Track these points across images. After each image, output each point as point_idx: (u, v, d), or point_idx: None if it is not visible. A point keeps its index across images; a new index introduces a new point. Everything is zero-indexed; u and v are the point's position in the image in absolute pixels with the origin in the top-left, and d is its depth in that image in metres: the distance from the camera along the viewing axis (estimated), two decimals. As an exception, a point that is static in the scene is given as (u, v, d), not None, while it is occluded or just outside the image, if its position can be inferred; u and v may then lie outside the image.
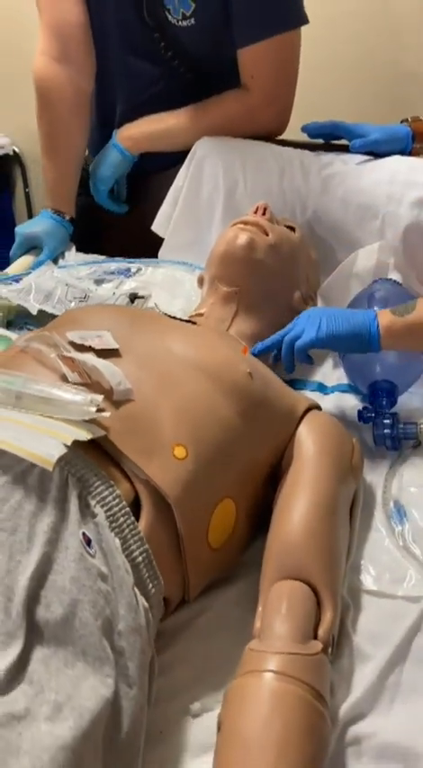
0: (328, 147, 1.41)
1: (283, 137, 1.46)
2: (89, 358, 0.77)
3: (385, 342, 0.93)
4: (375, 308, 1.01)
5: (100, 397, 0.72)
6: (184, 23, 1.32)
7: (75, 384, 0.74)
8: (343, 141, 1.39)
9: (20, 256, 1.44)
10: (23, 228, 1.45)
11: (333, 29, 1.87)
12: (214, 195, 1.38)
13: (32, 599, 0.57)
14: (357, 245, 1.25)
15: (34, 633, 0.56)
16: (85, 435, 0.67)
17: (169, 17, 1.32)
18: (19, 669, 0.54)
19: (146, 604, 0.64)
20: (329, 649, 0.69)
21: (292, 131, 1.46)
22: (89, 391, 0.73)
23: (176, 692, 0.70)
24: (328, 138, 1.41)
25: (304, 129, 1.38)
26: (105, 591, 0.60)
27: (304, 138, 1.41)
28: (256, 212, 1.11)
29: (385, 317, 0.93)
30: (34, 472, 0.64)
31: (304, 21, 1.33)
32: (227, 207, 1.36)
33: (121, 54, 1.41)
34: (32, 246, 1.44)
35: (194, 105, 1.41)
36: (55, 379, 0.76)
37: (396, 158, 1.33)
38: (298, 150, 1.39)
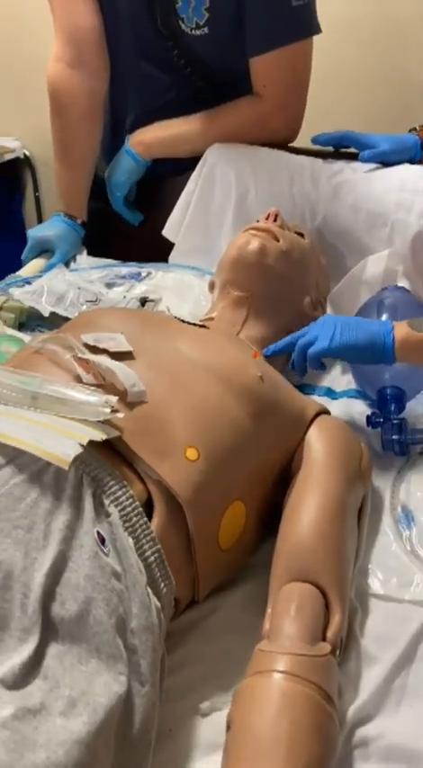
0: (339, 155, 1.42)
1: (294, 144, 1.47)
2: (103, 360, 0.78)
3: (399, 355, 0.91)
4: (387, 317, 1.01)
5: (114, 399, 0.73)
6: (198, 32, 1.33)
7: (89, 385, 0.75)
8: (353, 149, 1.40)
9: (31, 259, 1.45)
10: (36, 232, 1.47)
11: (342, 38, 1.89)
12: (225, 201, 1.39)
13: (48, 596, 0.58)
14: (367, 252, 1.26)
15: (49, 630, 0.57)
16: (100, 435, 0.68)
17: (183, 26, 1.34)
18: (34, 664, 0.55)
19: (158, 604, 0.65)
20: (337, 651, 0.70)
21: (303, 139, 1.47)
22: (103, 392, 0.74)
23: (186, 691, 0.71)
24: (338, 148, 1.42)
25: (314, 140, 1.39)
26: (119, 589, 0.61)
27: (315, 146, 1.42)
28: (267, 219, 1.12)
29: (401, 330, 0.92)
30: (50, 471, 0.65)
31: (317, 30, 1.34)
32: (237, 213, 1.38)
33: (135, 61, 1.43)
34: (44, 250, 1.46)
35: (207, 112, 1.42)
36: (70, 380, 0.77)
37: (406, 166, 1.34)
38: (309, 158, 1.40)
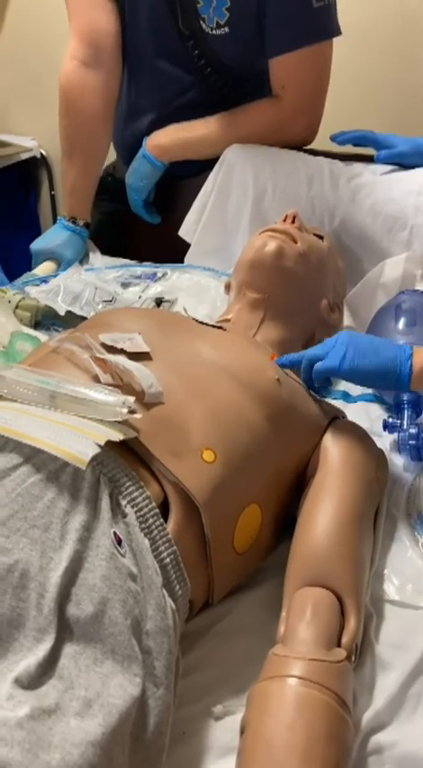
0: (358, 158, 1.42)
1: (312, 146, 1.47)
2: (121, 360, 0.78)
3: (416, 382, 0.85)
4: (404, 321, 1.00)
5: (132, 399, 0.72)
6: (219, 32, 1.33)
7: (107, 385, 0.75)
8: (372, 151, 1.39)
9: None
10: (38, 245, 1.45)
11: (361, 42, 1.88)
12: (242, 202, 1.39)
13: (64, 596, 0.58)
14: (385, 256, 1.25)
15: (65, 630, 0.57)
16: (117, 436, 0.68)
17: (203, 26, 1.34)
18: (49, 665, 0.55)
19: (173, 605, 0.65)
20: (353, 657, 0.69)
21: (321, 141, 1.46)
22: (121, 393, 0.74)
23: (200, 694, 0.70)
24: (357, 146, 1.41)
25: (333, 138, 1.38)
26: (135, 591, 0.61)
27: (333, 147, 1.42)
28: (285, 220, 1.11)
29: (421, 356, 0.84)
30: (67, 471, 0.64)
31: (337, 32, 1.34)
32: (254, 214, 1.37)
33: (155, 61, 1.43)
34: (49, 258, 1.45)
35: (225, 113, 1.42)
36: (87, 380, 0.77)
37: (425, 170, 1.33)
38: (327, 159, 1.40)
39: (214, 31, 1.34)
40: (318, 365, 0.89)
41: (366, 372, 0.86)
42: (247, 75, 1.41)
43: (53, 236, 1.45)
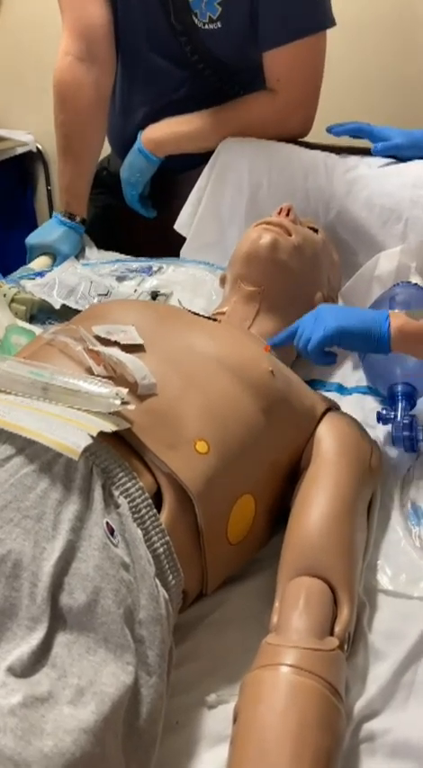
0: (353, 151, 1.42)
1: (308, 139, 1.47)
2: (115, 352, 0.78)
3: (396, 344, 0.89)
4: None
5: (125, 391, 0.73)
6: (211, 27, 1.33)
7: (100, 377, 0.76)
8: (368, 144, 1.39)
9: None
10: (34, 239, 1.45)
11: (358, 35, 1.88)
12: (238, 196, 1.39)
13: (56, 585, 0.58)
14: (380, 248, 1.25)
15: (58, 619, 0.57)
16: (110, 427, 0.68)
17: (196, 21, 1.33)
18: (42, 653, 0.55)
19: (166, 595, 0.65)
20: (345, 646, 0.70)
21: (317, 134, 1.46)
22: (114, 385, 0.74)
23: (193, 683, 0.71)
24: (353, 138, 1.40)
25: (329, 129, 1.38)
26: (127, 580, 0.61)
27: (329, 140, 1.42)
28: (279, 213, 1.11)
29: (398, 319, 0.89)
30: (60, 462, 0.65)
31: (331, 23, 1.33)
32: (250, 207, 1.37)
33: (147, 56, 1.42)
34: (44, 253, 1.44)
35: (219, 107, 1.42)
36: (81, 372, 0.77)
37: (421, 162, 1.33)
38: (323, 152, 1.40)
39: (207, 26, 1.33)
40: (309, 346, 0.92)
41: (350, 332, 0.90)
42: (240, 70, 1.40)
43: (49, 231, 1.45)
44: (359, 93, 1.92)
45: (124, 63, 1.46)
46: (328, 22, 1.33)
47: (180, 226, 1.46)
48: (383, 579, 0.82)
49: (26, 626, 0.56)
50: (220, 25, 1.32)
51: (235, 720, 0.63)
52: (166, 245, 1.47)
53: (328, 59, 1.38)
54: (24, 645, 0.55)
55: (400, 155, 1.35)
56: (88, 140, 1.46)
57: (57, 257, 1.42)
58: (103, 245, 1.51)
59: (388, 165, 1.35)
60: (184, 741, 0.66)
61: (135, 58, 1.44)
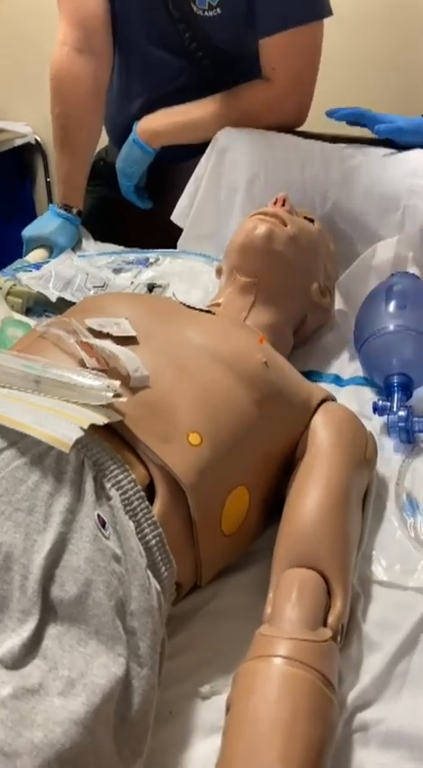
0: (350, 140, 1.41)
1: (305, 128, 1.46)
2: (107, 344, 0.78)
3: None
4: (394, 304, 1.00)
5: (117, 383, 0.72)
6: (210, 14, 1.32)
7: (92, 370, 0.75)
8: (365, 133, 1.38)
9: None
10: (30, 232, 1.44)
11: (359, 21, 1.86)
12: (234, 186, 1.38)
13: (47, 578, 0.58)
14: (378, 238, 1.25)
15: (48, 611, 0.57)
16: (101, 419, 0.68)
17: (194, 8, 1.32)
18: (33, 645, 0.55)
19: (158, 587, 0.65)
20: (339, 637, 0.70)
21: (314, 123, 1.45)
22: (107, 377, 0.74)
23: (186, 675, 0.71)
24: (352, 125, 1.37)
25: (329, 113, 1.35)
26: (119, 572, 0.61)
27: (326, 129, 1.41)
28: (275, 204, 1.11)
29: None
30: (51, 454, 0.65)
31: (328, 12, 1.33)
32: (247, 198, 1.37)
33: (145, 45, 1.42)
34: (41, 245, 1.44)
35: (214, 97, 1.41)
36: (73, 365, 0.77)
37: (419, 151, 1.32)
38: (319, 142, 1.39)
39: (206, 13, 1.32)
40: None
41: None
42: (238, 57, 1.40)
43: (46, 223, 1.45)
44: (357, 82, 1.91)
45: (121, 53, 1.46)
46: (326, 11, 1.32)
47: (177, 217, 1.45)
48: (378, 570, 0.82)
49: (17, 618, 0.56)
50: (219, 11, 1.32)
51: (228, 710, 0.63)
52: (164, 236, 1.46)
53: (325, 49, 1.37)
54: (15, 637, 0.55)
55: (401, 139, 1.32)
56: (85, 132, 1.45)
57: (53, 249, 1.42)
58: (100, 236, 1.51)
59: (385, 154, 1.34)
60: (178, 731, 0.66)
61: (132, 47, 1.43)
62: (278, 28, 1.30)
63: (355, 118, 1.36)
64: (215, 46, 1.39)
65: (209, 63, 1.42)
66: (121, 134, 1.50)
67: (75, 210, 1.45)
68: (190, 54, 1.40)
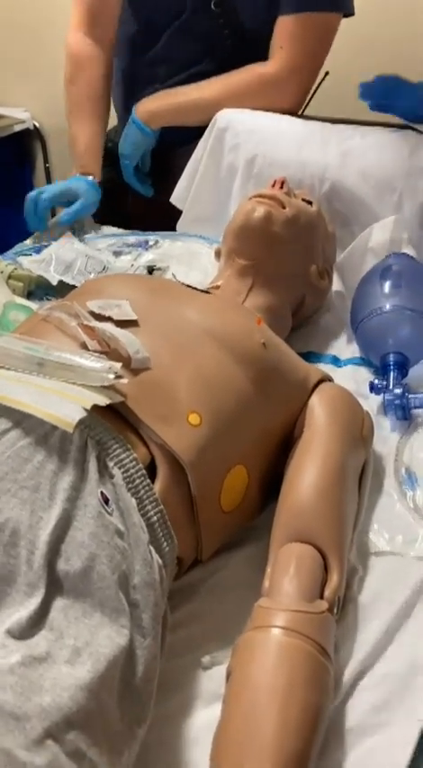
0: (348, 122, 1.41)
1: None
2: (108, 327, 0.79)
3: None
4: (390, 284, 1.01)
5: (118, 365, 0.74)
6: None
7: (94, 352, 0.77)
8: (361, 117, 1.38)
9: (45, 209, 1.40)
10: (55, 187, 1.42)
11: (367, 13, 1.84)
12: (233, 168, 1.39)
13: (53, 552, 0.60)
14: (375, 219, 1.25)
15: (54, 585, 0.59)
16: (103, 400, 0.70)
17: None
18: (40, 617, 0.57)
19: (160, 561, 0.67)
20: (335, 609, 0.72)
21: (313, 109, 1.46)
22: (108, 359, 0.76)
23: (188, 647, 0.73)
24: (383, 99, 1.28)
25: (363, 89, 1.25)
26: (122, 547, 0.63)
27: (324, 113, 1.41)
28: (273, 186, 1.12)
29: None
30: (55, 434, 0.67)
31: (346, 8, 1.34)
32: (245, 180, 1.37)
33: (169, 31, 1.43)
34: (62, 203, 1.43)
35: (213, 78, 1.42)
36: (75, 347, 0.78)
37: (416, 134, 1.32)
38: (318, 123, 1.39)
39: None
40: None
41: None
42: (257, 40, 1.41)
43: (73, 182, 1.43)
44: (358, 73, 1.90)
45: (138, 40, 1.47)
46: (343, 7, 1.34)
47: (176, 198, 1.46)
48: (380, 541, 0.84)
49: (24, 591, 0.58)
50: None
51: (228, 679, 0.66)
52: (167, 219, 1.47)
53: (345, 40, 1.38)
54: (23, 609, 0.57)
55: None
56: (100, 106, 1.48)
57: (78, 201, 1.39)
58: (103, 219, 1.52)
59: (383, 135, 1.34)
60: (180, 700, 0.69)
61: (152, 34, 1.45)
62: (293, 9, 1.33)
63: (392, 85, 1.27)
64: (241, 24, 1.40)
65: (230, 44, 1.42)
66: (126, 121, 1.51)
67: (96, 180, 1.44)
68: (215, 33, 1.41)
